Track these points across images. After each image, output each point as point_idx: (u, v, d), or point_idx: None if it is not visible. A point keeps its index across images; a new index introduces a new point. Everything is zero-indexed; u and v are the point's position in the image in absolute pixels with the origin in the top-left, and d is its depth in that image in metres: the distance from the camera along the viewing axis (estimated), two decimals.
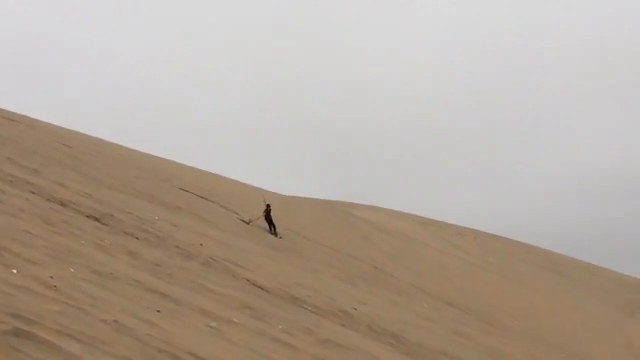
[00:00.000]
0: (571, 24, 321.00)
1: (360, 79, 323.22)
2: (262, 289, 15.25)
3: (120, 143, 49.33)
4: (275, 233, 29.06)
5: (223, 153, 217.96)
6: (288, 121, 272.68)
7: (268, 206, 29.84)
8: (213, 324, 10.15)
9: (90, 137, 44.35)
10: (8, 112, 33.77)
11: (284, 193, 60.53)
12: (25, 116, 36.97)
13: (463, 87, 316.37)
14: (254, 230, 27.49)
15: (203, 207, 28.79)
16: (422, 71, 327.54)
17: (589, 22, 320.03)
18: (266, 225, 29.47)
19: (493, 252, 61.73)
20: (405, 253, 44.12)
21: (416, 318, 22.07)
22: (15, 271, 8.52)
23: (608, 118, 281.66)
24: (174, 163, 49.56)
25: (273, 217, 29.73)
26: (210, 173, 52.55)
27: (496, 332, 26.34)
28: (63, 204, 15.56)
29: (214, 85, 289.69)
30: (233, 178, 56.50)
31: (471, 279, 42.87)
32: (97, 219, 15.55)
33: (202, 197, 32.04)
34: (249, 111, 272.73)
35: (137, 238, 15.46)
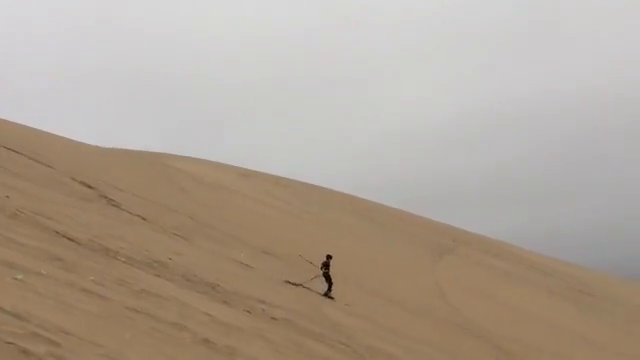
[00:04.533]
0: None
1: (182, 31, 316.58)
2: (72, 241, 14.79)
3: None
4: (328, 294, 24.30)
5: (37, 104, 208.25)
6: (107, 72, 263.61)
7: (328, 257, 24.94)
8: (19, 276, 9.76)
9: None
10: None
11: (100, 144, 58.81)
12: None
13: (285, 37, 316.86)
14: (64, 181, 26.52)
15: (11, 159, 27.42)
16: (243, 23, 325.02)
17: None
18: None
19: (311, 202, 62.89)
20: (223, 204, 44.20)
21: (233, 267, 22.21)
22: None
23: (430, 74, 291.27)
24: None
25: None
26: (21, 125, 50.14)
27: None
28: None
29: (33, 34, 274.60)
30: (46, 130, 54.13)
31: (289, 228, 43.56)
32: None
33: (10, 149, 30.50)
34: (67, 61, 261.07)
35: None
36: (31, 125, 52.04)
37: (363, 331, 19.49)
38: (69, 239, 14.77)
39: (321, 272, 24.49)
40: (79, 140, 54.56)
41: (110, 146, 60.43)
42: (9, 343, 7.11)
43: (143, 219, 24.49)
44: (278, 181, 70.74)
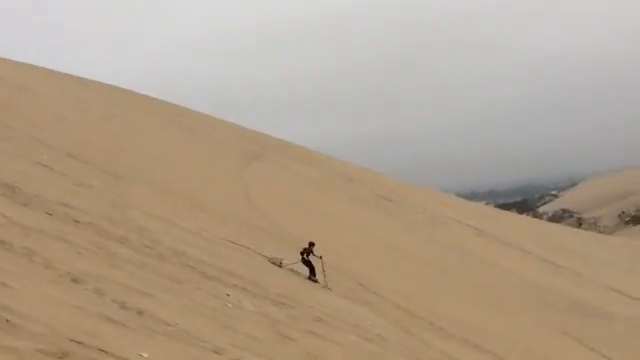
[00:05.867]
0: None
1: None
2: None
3: None
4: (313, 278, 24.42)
5: None
6: None
7: (311, 245, 24.71)
8: None
9: None
10: None
11: None
12: None
13: None
14: None
15: None
16: None
17: None
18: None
19: (117, 105, 61.33)
20: (24, 105, 42.26)
21: (34, 170, 21.53)
22: None
23: None
24: None
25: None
26: None
27: (118, 183, 26.62)
28: None
29: None
30: None
31: (94, 131, 42.42)
32: None
33: None
34: None
35: None
36: None
37: (167, 234, 19.63)
38: None
39: (300, 258, 24.47)
40: None
41: None
42: None
43: None
44: (83, 82, 68.33)
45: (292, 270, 24.26)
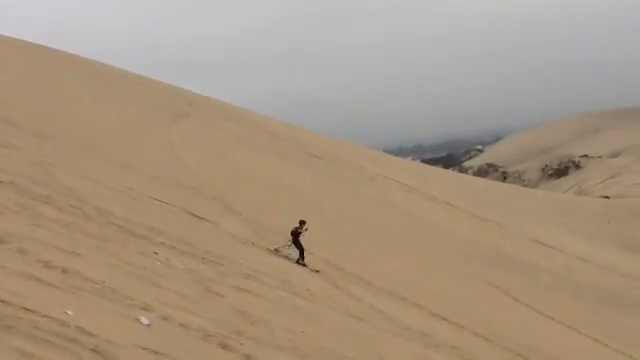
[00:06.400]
0: None
1: None
2: None
3: None
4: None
5: None
6: None
7: (302, 223, 23.99)
8: None
9: None
10: None
11: None
12: None
13: None
14: None
15: None
16: None
17: None
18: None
19: (43, 64, 59.77)
20: None
21: None
22: None
23: None
24: None
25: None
26: None
27: (43, 143, 26.08)
28: None
29: None
30: None
31: (17, 91, 41.34)
32: None
33: None
34: None
35: None
36: None
37: (94, 193, 19.39)
38: None
39: (291, 239, 23.74)
40: None
41: None
42: None
43: None
44: (3, 40, 66.27)
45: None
